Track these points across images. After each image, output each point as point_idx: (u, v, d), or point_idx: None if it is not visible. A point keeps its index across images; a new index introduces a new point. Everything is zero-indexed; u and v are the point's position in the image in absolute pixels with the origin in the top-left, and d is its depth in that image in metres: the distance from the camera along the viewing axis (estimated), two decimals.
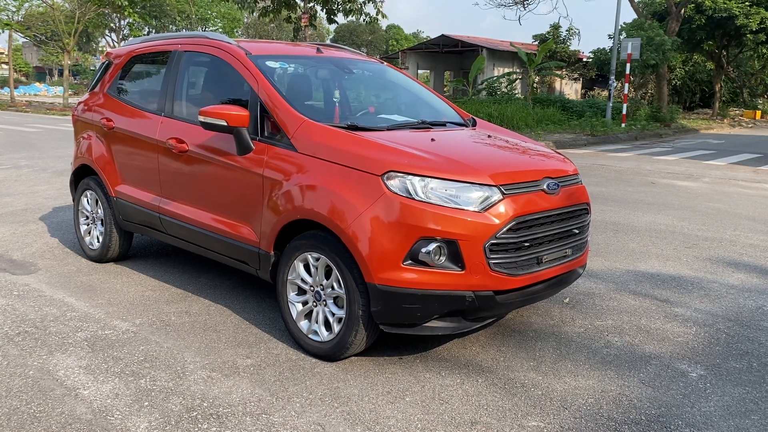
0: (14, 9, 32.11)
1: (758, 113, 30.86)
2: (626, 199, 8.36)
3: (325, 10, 20.02)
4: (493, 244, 3.06)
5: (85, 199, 5.19)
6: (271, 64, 4.08)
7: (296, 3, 19.90)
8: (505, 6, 24.73)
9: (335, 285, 3.28)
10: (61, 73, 52.01)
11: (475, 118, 4.58)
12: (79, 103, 5.44)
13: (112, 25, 41.45)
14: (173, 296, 4.33)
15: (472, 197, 3.10)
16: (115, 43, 43.50)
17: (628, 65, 19.76)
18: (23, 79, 56.52)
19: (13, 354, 3.39)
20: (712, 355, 3.58)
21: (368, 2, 19.84)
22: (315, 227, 3.35)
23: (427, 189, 3.08)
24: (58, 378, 3.12)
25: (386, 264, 3.03)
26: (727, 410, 2.98)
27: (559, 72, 28.52)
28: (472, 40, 37.10)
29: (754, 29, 25.22)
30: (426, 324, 3.14)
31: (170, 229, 4.35)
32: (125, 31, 42.29)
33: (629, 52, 19.54)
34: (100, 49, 58.39)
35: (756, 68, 34.77)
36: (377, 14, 20.12)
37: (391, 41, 71.27)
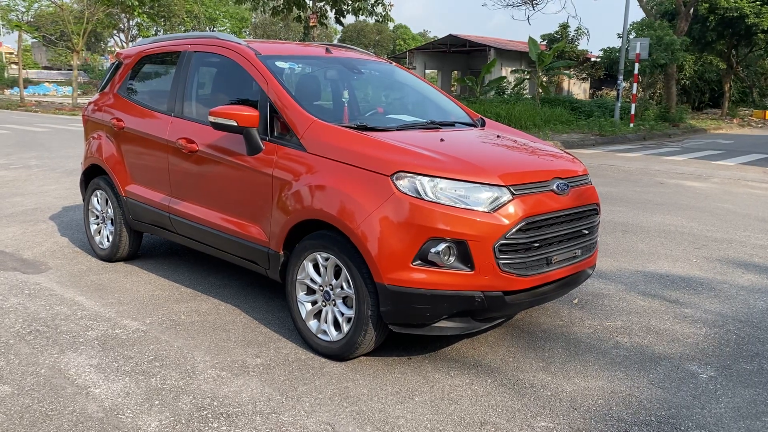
0: (24, 9, 32.33)
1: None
2: (635, 200, 8.33)
3: (334, 11, 20.05)
4: (502, 245, 3.06)
5: (95, 199, 5.22)
6: (280, 64, 4.09)
7: (306, 3, 19.94)
8: (513, 6, 24.70)
9: (344, 285, 3.28)
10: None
11: (483, 118, 4.58)
12: (90, 103, 5.47)
13: (120, 25, 41.62)
14: (183, 295, 4.35)
15: (481, 197, 3.10)
16: (124, 44, 43.67)
17: (636, 65, 19.68)
18: (32, 78, 56.82)
19: (24, 352, 3.41)
20: (722, 356, 3.57)
21: (378, 4, 19.88)
22: (324, 227, 3.36)
23: (437, 189, 3.08)
24: (69, 376, 3.15)
25: (395, 264, 3.03)
26: (738, 412, 2.97)
27: (567, 72, 28.45)
28: (480, 39, 37.06)
29: (765, 28, 25.05)
30: (435, 324, 3.14)
31: (180, 229, 4.37)
32: (134, 31, 42.49)
33: (638, 51, 19.46)
34: (108, 49, 58.66)
35: (766, 68, 34.54)
36: (385, 17, 20.16)
37: (398, 41, 71.24)
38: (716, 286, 4.79)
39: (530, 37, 22.25)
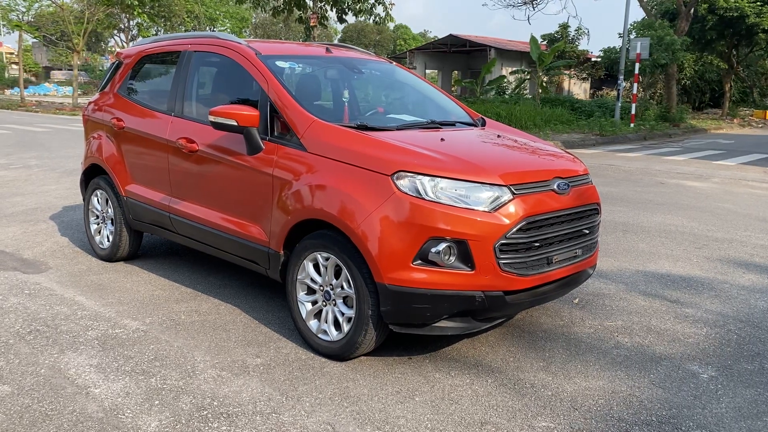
0: (24, 9, 32.34)
1: None
2: (635, 200, 8.32)
3: (335, 10, 20.05)
4: (503, 245, 3.06)
5: (96, 199, 5.22)
6: (280, 64, 4.09)
7: (306, 3, 19.94)
8: (513, 6, 24.69)
9: (345, 285, 3.28)
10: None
11: (484, 117, 4.57)
12: (90, 103, 5.47)
13: (120, 25, 41.61)
14: (183, 295, 4.34)
15: (482, 197, 3.09)
16: (124, 44, 43.67)
17: (637, 65, 19.68)
18: (33, 79, 56.86)
19: (24, 352, 3.41)
20: (723, 356, 3.56)
21: (378, 4, 19.86)
22: (324, 227, 3.35)
23: (437, 189, 3.07)
24: (69, 376, 3.14)
25: (396, 264, 3.03)
26: (739, 412, 2.96)
27: (567, 71, 28.45)
28: (481, 39, 37.05)
29: (766, 28, 25.04)
30: (435, 324, 3.14)
31: (180, 229, 4.37)
32: (134, 31, 42.47)
33: (638, 51, 19.45)
34: (109, 49, 58.65)
35: (766, 68, 34.52)
36: (386, 17, 20.14)
37: (398, 41, 71.19)
38: (717, 286, 4.78)
39: (532, 36, 22.26)
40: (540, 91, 22.70)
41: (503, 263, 3.07)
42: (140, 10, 27.47)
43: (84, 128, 5.51)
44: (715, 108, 33.31)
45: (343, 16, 20.28)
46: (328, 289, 3.39)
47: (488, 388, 3.12)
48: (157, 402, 2.92)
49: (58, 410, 2.83)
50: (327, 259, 3.34)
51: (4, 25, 32.59)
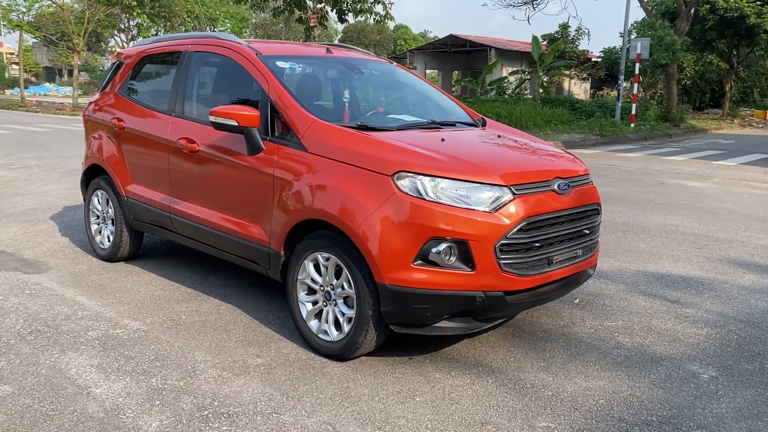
0: (25, 9, 32.37)
1: None
2: (636, 200, 8.32)
3: (335, 10, 20.06)
4: (503, 245, 3.06)
5: (96, 199, 5.22)
6: (281, 64, 4.09)
7: (306, 3, 19.95)
8: (513, 6, 24.69)
9: (345, 285, 3.28)
10: (70, 74, 52.29)
11: (484, 118, 4.57)
12: (90, 103, 5.47)
13: (121, 25, 41.64)
14: (183, 295, 4.35)
15: (482, 197, 3.09)
16: (125, 44, 43.69)
17: (637, 65, 19.68)
18: (33, 79, 56.88)
19: (25, 352, 3.41)
20: (723, 356, 3.56)
21: (377, 3, 19.88)
22: (325, 227, 3.36)
23: (438, 189, 3.08)
24: (70, 376, 3.14)
25: (396, 264, 3.03)
26: (739, 412, 2.96)
27: (568, 72, 28.43)
28: (481, 40, 37.02)
29: (767, 28, 25.03)
30: (436, 324, 3.14)
31: (181, 229, 4.37)
32: (134, 31, 42.50)
33: (639, 51, 19.46)
34: (109, 49, 58.68)
35: (767, 68, 34.50)
36: (385, 16, 20.15)
37: (398, 41, 71.16)
38: (717, 286, 4.78)
39: (534, 36, 22.25)
40: (540, 91, 22.70)
41: (504, 263, 3.07)
42: (140, 11, 27.49)
43: (84, 128, 5.51)
44: (716, 108, 33.28)
45: (344, 16, 20.29)
46: (329, 289, 3.39)
47: (489, 388, 3.12)
48: (157, 402, 2.92)
49: (59, 410, 2.83)
50: (327, 259, 3.34)
51: (4, 25, 32.66)
